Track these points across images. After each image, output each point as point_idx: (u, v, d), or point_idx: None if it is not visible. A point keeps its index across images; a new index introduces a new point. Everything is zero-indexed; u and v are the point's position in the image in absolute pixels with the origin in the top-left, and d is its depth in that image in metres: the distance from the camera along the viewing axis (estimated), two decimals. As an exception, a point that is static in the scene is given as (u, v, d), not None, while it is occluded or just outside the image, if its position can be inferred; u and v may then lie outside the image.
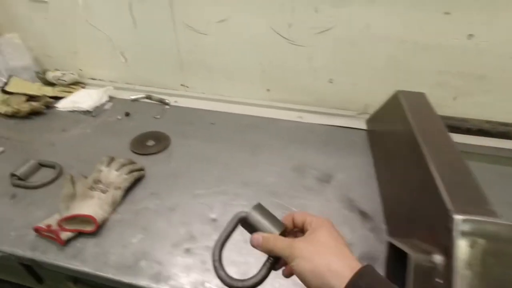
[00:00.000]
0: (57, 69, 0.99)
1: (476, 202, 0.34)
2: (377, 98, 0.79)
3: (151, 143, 0.78)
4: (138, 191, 0.64)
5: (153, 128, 0.83)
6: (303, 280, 0.31)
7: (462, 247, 0.32)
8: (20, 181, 0.64)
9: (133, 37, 0.90)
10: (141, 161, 0.70)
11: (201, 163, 0.72)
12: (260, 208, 0.37)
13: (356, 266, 0.29)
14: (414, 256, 0.35)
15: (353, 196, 0.65)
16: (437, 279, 0.33)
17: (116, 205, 0.59)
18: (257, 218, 0.36)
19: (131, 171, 0.65)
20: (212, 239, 0.50)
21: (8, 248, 0.52)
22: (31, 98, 0.90)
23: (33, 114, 0.86)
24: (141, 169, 0.67)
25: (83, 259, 0.51)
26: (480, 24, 0.69)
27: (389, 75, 0.81)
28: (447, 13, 0.69)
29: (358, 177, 0.69)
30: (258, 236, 0.35)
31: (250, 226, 0.36)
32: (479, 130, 0.74)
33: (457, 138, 0.72)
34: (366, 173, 0.70)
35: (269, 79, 0.90)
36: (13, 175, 0.64)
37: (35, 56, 1.01)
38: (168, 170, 0.69)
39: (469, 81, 0.77)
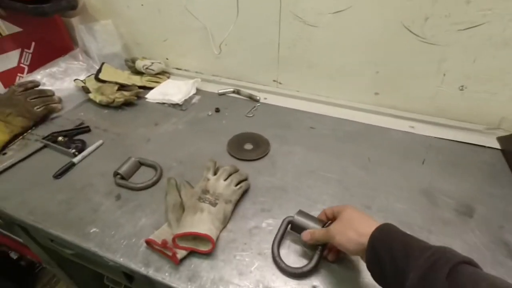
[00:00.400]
0: (144, 57, 0.95)
1: None
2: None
3: (249, 146, 0.70)
4: (247, 205, 0.57)
5: (247, 128, 0.76)
6: (345, 249, 0.40)
7: None
8: (123, 181, 0.60)
9: (232, 26, 0.82)
10: (242, 167, 0.63)
11: (310, 177, 0.63)
12: (302, 212, 0.49)
13: (377, 225, 0.39)
14: None
15: (507, 237, 0.52)
16: None
17: (227, 222, 0.53)
18: (301, 220, 0.48)
19: (239, 182, 0.58)
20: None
21: (121, 259, 0.48)
22: (121, 87, 0.87)
23: (126, 104, 0.83)
24: (246, 179, 0.60)
25: (201, 284, 0.45)
26: None
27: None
28: None
29: (505, 212, 0.55)
30: (306, 232, 0.46)
31: (297, 227, 0.48)
32: None
33: None
34: (513, 206, 0.57)
35: (381, 82, 0.77)
36: (116, 173, 0.60)
37: (125, 43, 0.98)
38: (274, 182, 0.61)
39: None
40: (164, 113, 0.82)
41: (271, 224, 0.53)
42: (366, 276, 0.45)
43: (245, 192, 0.58)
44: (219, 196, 0.54)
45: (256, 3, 0.77)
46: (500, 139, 0.72)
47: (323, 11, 0.71)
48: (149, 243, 0.48)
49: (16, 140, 0.70)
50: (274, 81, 0.90)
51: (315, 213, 0.55)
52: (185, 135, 0.75)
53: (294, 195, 0.59)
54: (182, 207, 0.53)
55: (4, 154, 0.67)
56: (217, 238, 0.50)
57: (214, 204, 0.53)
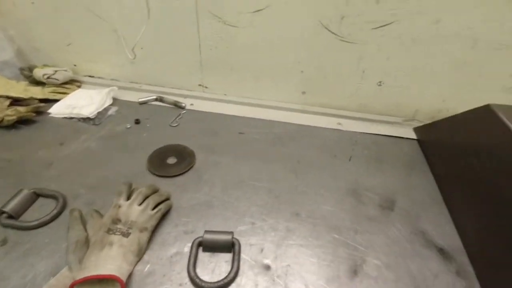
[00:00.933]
0: (46, 65, 0.82)
1: None
2: (431, 103, 0.68)
3: (172, 160, 0.64)
4: (168, 229, 0.50)
5: (171, 140, 0.69)
6: None
7: None
8: (11, 221, 0.49)
9: (144, 28, 0.74)
10: (164, 185, 0.56)
11: (239, 188, 0.59)
12: (209, 232, 0.47)
13: None
14: None
15: (425, 227, 0.54)
16: None
17: (142, 253, 0.46)
18: (210, 238, 0.47)
19: (158, 204, 0.51)
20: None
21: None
22: (15, 101, 0.73)
23: (21, 122, 0.70)
24: (167, 199, 0.54)
25: (109, 337, 0.38)
26: None
27: (452, 79, 0.69)
28: (536, 6, 0.58)
29: (423, 202, 0.58)
30: None
31: (208, 247, 0.47)
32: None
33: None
34: (430, 196, 0.60)
35: (307, 81, 0.76)
36: (1, 212, 0.49)
37: (19, 48, 0.83)
38: (200, 198, 0.56)
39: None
40: (73, 129, 0.71)
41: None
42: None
43: (165, 214, 0.52)
44: (133, 224, 0.47)
45: (168, 2, 0.70)
46: (415, 130, 0.77)
47: (242, 10, 0.67)
48: (41, 297, 0.40)
49: None
50: (199, 85, 0.84)
51: (244, 227, 0.52)
52: (98, 154, 0.65)
53: (221, 210, 0.54)
54: (87, 244, 0.45)
55: None
56: (130, 274, 0.43)
57: (126, 235, 0.46)
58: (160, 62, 0.81)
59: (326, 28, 0.66)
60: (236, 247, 0.47)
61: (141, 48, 0.79)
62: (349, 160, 0.67)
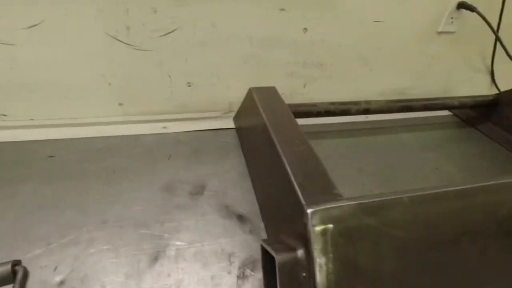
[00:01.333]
0: None
1: (324, 190, 0.35)
2: (240, 95, 0.78)
3: (-50, 204, 0.55)
4: None
5: None
6: None
7: (316, 237, 0.31)
8: None
9: None
10: None
11: (38, 213, 0.54)
12: None
13: None
14: (279, 257, 0.33)
15: (229, 201, 0.61)
16: (302, 274, 0.32)
17: None
18: None
19: None
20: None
21: None
22: None
23: None
24: None
25: None
26: (313, 19, 0.77)
27: (246, 71, 0.81)
28: (282, 9, 0.74)
29: (232, 181, 0.66)
30: None
31: None
32: (326, 112, 0.83)
33: (310, 121, 0.79)
34: (239, 175, 0.68)
35: (118, 92, 0.77)
36: None
37: None
38: (-15, 237, 0.50)
39: (313, 69, 0.86)
40: None
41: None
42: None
43: None
44: None
45: None
46: (234, 119, 0.87)
47: (13, 26, 0.63)
48: None
49: None
50: (-3, 114, 0.75)
51: (37, 251, 0.48)
52: None
53: (15, 241, 0.49)
54: None
55: None
56: None
57: None
58: None
59: (116, 39, 0.69)
60: (19, 276, 0.44)
61: None
62: (168, 159, 0.71)
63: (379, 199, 0.34)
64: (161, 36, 0.71)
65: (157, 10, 0.67)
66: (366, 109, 0.80)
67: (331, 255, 0.30)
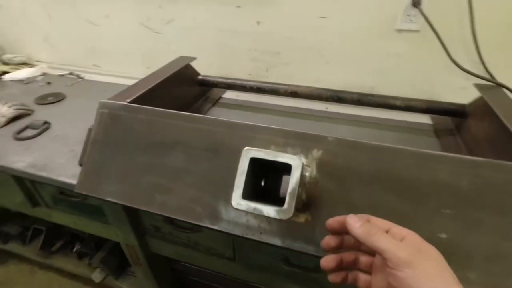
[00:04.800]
0: (12, 53, 1.39)
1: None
2: (214, 70, 1.08)
3: (51, 99, 1.12)
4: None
5: (66, 91, 1.18)
6: None
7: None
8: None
9: (50, 26, 1.28)
10: (42, 109, 1.04)
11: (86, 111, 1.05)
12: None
13: None
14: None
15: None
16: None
17: (0, 125, 0.93)
18: None
19: (19, 109, 0.99)
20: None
21: None
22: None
23: (-14, 81, 1.25)
24: (29, 110, 1.01)
25: None
26: (263, 14, 0.97)
27: (220, 53, 1.10)
28: (238, 6, 0.98)
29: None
30: (355, 217, 0.33)
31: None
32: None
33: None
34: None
35: (146, 59, 1.22)
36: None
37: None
38: (57, 111, 1.03)
39: (272, 57, 1.04)
40: (9, 85, 1.25)
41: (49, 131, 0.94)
42: None
43: (25, 116, 0.99)
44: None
45: (66, 14, 1.23)
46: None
47: (97, 15, 1.17)
48: None
49: None
50: (94, 65, 1.34)
51: None
52: (14, 96, 1.16)
53: (72, 113, 1.01)
54: (-23, 121, 0.94)
55: None
56: (-11, 133, 0.91)
57: (-5, 118, 0.94)
58: (68, 50, 1.34)
59: (143, 25, 1.13)
60: None
61: (54, 41, 1.33)
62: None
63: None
64: (165, 23, 1.10)
65: (161, 6, 1.06)
66: (294, 91, 0.92)
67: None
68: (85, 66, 1.36)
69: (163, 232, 0.86)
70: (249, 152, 0.36)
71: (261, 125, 0.56)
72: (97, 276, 1.19)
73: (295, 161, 0.35)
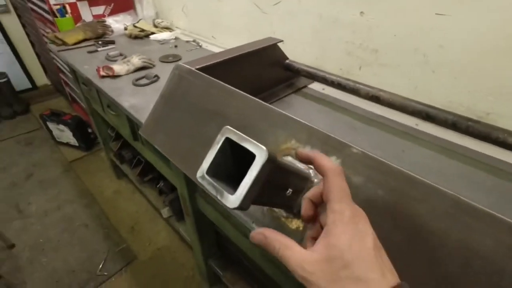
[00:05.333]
0: (161, 19, 1.72)
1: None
2: (306, 58, 1.06)
3: (170, 58, 1.35)
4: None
5: (183, 55, 1.40)
6: None
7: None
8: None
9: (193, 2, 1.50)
10: (161, 65, 1.28)
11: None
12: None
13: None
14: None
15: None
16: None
17: (128, 72, 1.19)
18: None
19: (145, 62, 1.23)
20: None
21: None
22: (143, 30, 1.64)
23: (140, 38, 1.60)
24: (151, 64, 1.25)
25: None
26: (369, 3, 0.87)
27: (316, 42, 1.05)
28: (343, -8, 0.91)
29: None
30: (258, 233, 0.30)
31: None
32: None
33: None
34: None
35: (251, 37, 1.29)
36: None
37: (157, 11, 1.78)
38: (169, 69, 1.24)
39: (368, 54, 0.93)
40: (151, 43, 1.55)
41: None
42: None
43: (148, 68, 1.23)
44: (130, 62, 1.21)
45: (202, -11, 1.41)
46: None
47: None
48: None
49: (84, 41, 1.55)
50: (212, 36, 1.51)
51: None
52: (150, 52, 1.45)
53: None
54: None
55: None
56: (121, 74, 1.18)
57: (127, 63, 1.21)
58: (197, 21, 1.54)
59: (255, 4, 1.19)
60: None
61: (189, 11, 1.55)
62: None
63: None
64: (273, 4, 1.12)
65: (270, -11, 1.09)
66: (376, 96, 0.81)
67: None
68: (205, 36, 1.55)
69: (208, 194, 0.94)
70: (226, 131, 0.36)
71: (292, 116, 0.52)
72: (165, 212, 1.42)
73: (261, 152, 0.32)
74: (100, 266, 1.46)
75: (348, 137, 0.81)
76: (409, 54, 0.84)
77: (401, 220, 0.39)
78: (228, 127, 0.36)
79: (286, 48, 1.02)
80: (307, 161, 0.32)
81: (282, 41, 0.95)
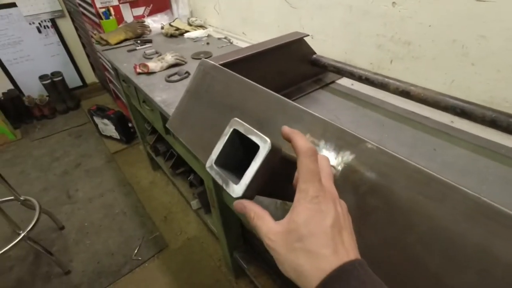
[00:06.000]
0: (195, 17, 1.77)
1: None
2: (335, 52, 1.03)
3: (202, 55, 1.39)
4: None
5: (214, 51, 1.43)
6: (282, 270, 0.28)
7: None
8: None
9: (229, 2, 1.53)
10: (193, 62, 1.33)
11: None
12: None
13: (333, 263, 0.25)
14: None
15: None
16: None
17: (162, 69, 1.26)
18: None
19: (178, 59, 1.29)
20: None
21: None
22: (178, 29, 1.71)
23: (175, 37, 1.67)
24: (183, 61, 1.30)
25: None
26: (401, -7, 0.82)
27: (347, 35, 1.02)
28: (374, -18, 0.86)
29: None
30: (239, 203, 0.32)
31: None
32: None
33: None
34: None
35: (280, 32, 1.28)
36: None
37: (191, 10, 1.84)
38: (194, 66, 1.29)
39: (400, 47, 0.88)
40: (185, 41, 1.61)
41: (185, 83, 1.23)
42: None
43: (180, 65, 1.29)
44: (164, 60, 1.27)
45: (233, -14, 1.43)
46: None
47: (252, -11, 1.30)
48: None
49: (125, 41, 1.65)
50: (243, 33, 1.52)
51: None
52: (182, 50, 1.50)
53: (196, 70, 1.25)
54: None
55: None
56: (155, 70, 1.24)
57: (161, 61, 1.27)
58: (228, 19, 1.56)
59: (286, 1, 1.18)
60: None
61: (222, 9, 1.57)
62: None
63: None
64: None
65: (302, -18, 1.07)
66: (406, 91, 0.77)
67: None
68: (236, 33, 1.57)
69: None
70: (233, 123, 0.36)
71: (307, 110, 0.52)
72: (194, 204, 1.48)
73: (264, 143, 0.32)
74: (136, 251, 1.56)
75: (374, 134, 0.79)
76: (446, 45, 0.78)
77: (415, 220, 0.37)
78: (236, 119, 0.37)
79: (315, 43, 1.00)
80: (287, 139, 0.33)
81: (308, 35, 0.93)
